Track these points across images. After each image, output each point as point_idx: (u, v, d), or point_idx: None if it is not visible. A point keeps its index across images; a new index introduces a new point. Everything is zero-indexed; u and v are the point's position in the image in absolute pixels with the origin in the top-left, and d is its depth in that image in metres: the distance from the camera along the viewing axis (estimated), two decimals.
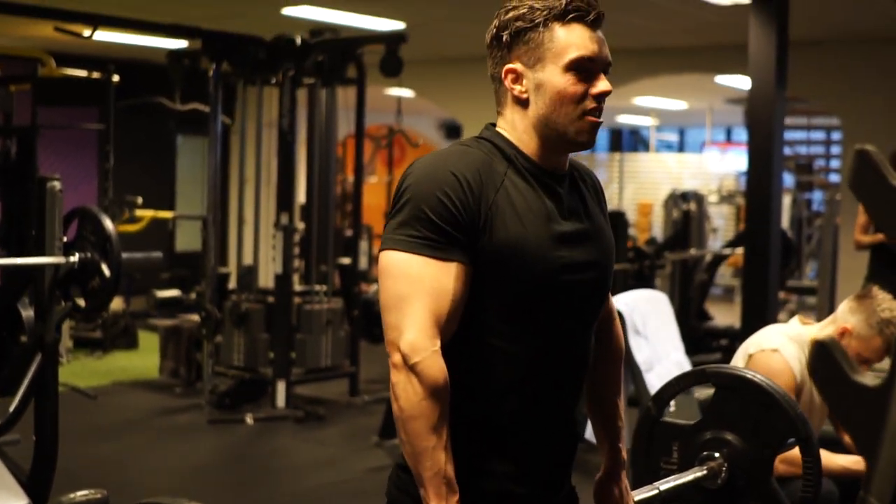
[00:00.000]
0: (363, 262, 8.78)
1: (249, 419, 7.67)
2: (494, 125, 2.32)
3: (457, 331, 2.16)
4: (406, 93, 12.48)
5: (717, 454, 2.92)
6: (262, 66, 8.23)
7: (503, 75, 2.26)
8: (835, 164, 15.68)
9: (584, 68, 2.20)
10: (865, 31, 9.84)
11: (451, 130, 19.18)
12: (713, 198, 15.94)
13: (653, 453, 3.09)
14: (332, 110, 8.57)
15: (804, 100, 11.86)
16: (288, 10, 9.25)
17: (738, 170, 17.45)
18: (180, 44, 9.62)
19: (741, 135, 20.89)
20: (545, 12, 2.20)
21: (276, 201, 8.25)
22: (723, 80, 12.59)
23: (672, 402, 3.18)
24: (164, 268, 10.96)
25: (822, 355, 1.10)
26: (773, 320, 8.37)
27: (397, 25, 9.79)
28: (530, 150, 2.25)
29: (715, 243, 15.51)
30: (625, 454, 2.62)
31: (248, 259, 8.85)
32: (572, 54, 2.19)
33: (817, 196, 16.69)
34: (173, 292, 9.22)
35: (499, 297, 2.17)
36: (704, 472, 2.89)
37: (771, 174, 8.13)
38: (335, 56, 8.39)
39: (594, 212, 2.35)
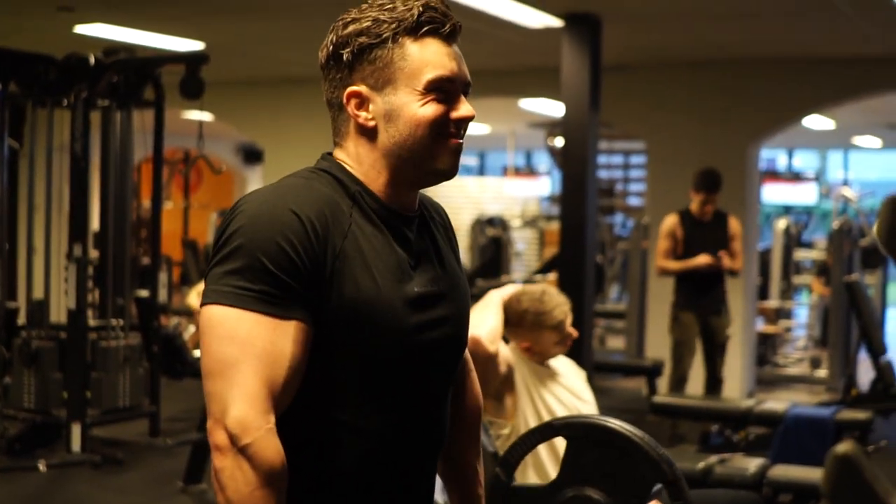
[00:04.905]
0: (162, 295, 8.32)
1: (42, 466, 7.11)
2: (331, 154, 1.97)
3: (294, 404, 1.81)
4: (204, 116, 12.07)
5: None
6: (52, 86, 7.70)
7: (344, 100, 1.91)
8: (634, 187, 15.82)
9: (442, 89, 1.89)
10: (672, 55, 9.90)
11: (250, 155, 18.80)
12: (516, 222, 15.93)
13: None
14: (127, 133, 8.11)
15: (608, 124, 11.87)
16: (81, 28, 8.77)
17: (539, 194, 17.50)
18: None
19: (542, 159, 21.04)
20: (393, 25, 1.87)
21: (68, 230, 7.74)
22: (527, 104, 12.54)
23: None
24: None
25: (847, 471, 0.83)
26: (589, 345, 8.31)
27: (196, 45, 9.41)
28: (377, 186, 1.92)
29: (518, 268, 15.49)
30: None
31: (38, 292, 8.31)
32: (428, 75, 1.87)
33: (617, 219, 16.85)
34: None
35: (345, 362, 1.84)
36: None
37: (584, 199, 8.05)
38: (131, 77, 7.95)
39: (446, 256, 2.05)
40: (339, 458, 1.86)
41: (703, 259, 7.74)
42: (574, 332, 3.84)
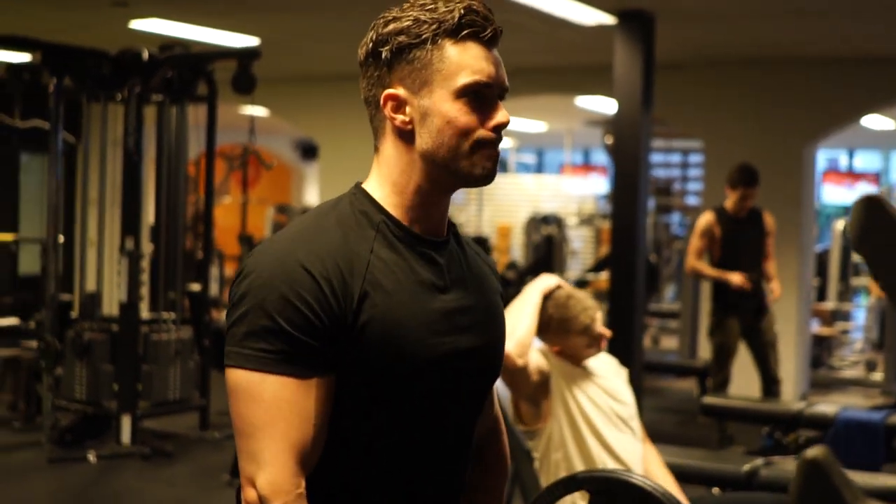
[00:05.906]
0: (214, 289, 8.37)
1: (92, 457, 7.20)
2: (360, 184, 1.92)
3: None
4: (260, 111, 12.12)
5: None
6: (106, 81, 7.78)
7: (382, 101, 1.86)
8: (692, 186, 15.71)
9: (478, 94, 1.84)
10: (727, 54, 9.81)
11: (308, 150, 18.86)
12: (572, 220, 15.87)
13: None
14: (181, 128, 8.17)
15: (664, 122, 11.79)
16: (136, 24, 8.82)
17: (596, 192, 17.44)
18: (22, 57, 9.10)
19: (599, 157, 20.96)
20: (434, 26, 1.81)
21: (120, 223, 7.80)
22: (583, 101, 12.48)
23: None
24: (4, 293, 10.44)
25: (815, 476, 0.81)
26: (639, 345, 8.24)
27: (250, 41, 9.44)
28: (406, 196, 1.87)
29: (575, 266, 15.43)
30: None
31: (91, 285, 8.38)
32: (465, 79, 1.82)
33: (674, 218, 16.74)
34: (12, 320, 8.73)
35: (368, 392, 1.81)
36: None
37: (637, 198, 7.99)
38: (185, 72, 8.00)
39: (487, 290, 2.00)
40: (355, 487, 1.84)
41: (737, 279, 7.58)
42: (606, 332, 3.78)
